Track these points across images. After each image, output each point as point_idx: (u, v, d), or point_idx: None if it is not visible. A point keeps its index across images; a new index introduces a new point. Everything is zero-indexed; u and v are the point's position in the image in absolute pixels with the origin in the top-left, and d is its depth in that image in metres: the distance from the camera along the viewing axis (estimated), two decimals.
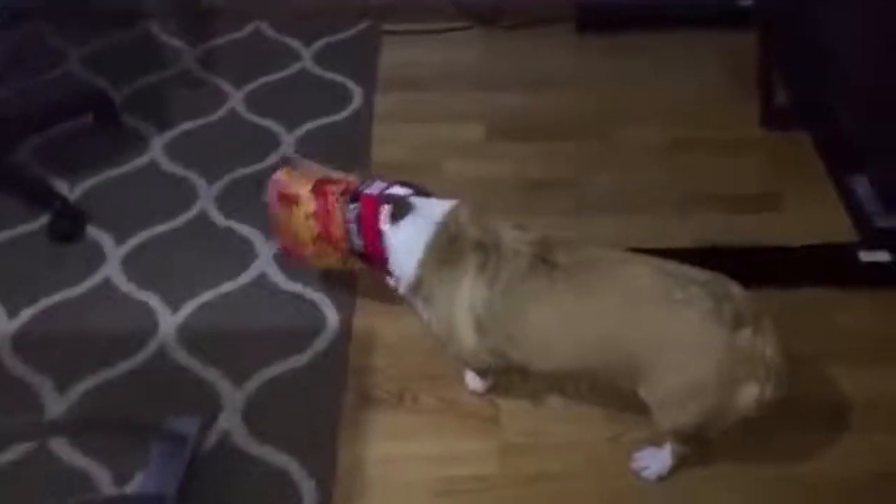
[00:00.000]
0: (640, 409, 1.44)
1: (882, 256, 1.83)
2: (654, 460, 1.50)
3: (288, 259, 1.70)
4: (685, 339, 1.28)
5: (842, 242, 1.89)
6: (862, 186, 1.97)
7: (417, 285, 1.42)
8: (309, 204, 1.50)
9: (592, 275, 1.35)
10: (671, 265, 1.32)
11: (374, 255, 1.46)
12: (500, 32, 2.66)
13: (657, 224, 1.98)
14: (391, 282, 1.50)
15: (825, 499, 1.47)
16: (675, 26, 2.58)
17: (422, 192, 1.48)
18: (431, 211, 1.41)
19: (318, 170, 1.59)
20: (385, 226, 1.42)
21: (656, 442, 1.49)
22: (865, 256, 1.83)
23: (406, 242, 1.41)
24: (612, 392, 1.52)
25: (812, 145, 2.17)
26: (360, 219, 1.45)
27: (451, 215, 1.40)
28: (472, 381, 1.62)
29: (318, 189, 1.50)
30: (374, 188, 1.47)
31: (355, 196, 1.46)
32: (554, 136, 2.28)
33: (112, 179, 2.12)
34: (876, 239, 1.86)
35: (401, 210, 1.41)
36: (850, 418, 1.58)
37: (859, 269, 1.83)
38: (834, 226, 1.96)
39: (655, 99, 2.38)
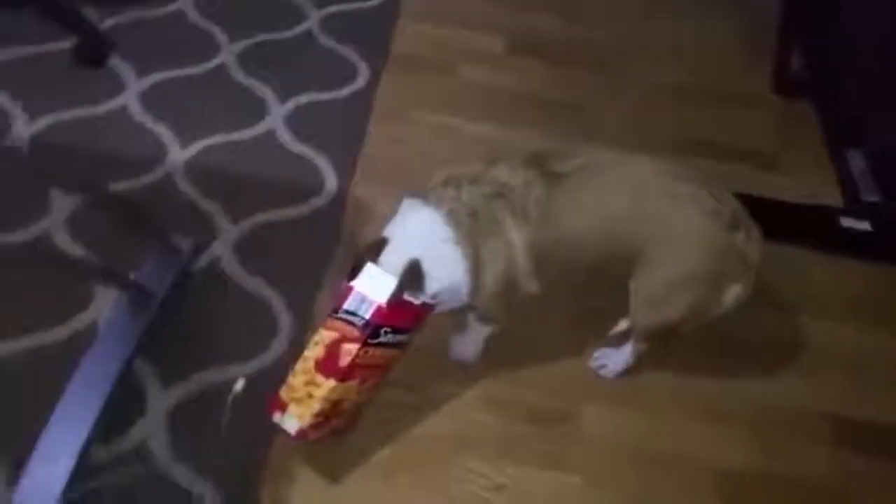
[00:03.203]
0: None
1: (863, 226, 1.91)
2: (612, 359, 1.58)
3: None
4: (687, 234, 1.34)
5: (826, 205, 1.97)
6: (857, 160, 2.05)
7: (476, 270, 1.31)
8: (351, 388, 1.27)
9: (600, 176, 1.36)
10: (667, 164, 1.39)
11: (406, 314, 1.28)
12: None
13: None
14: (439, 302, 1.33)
15: (761, 423, 1.57)
16: None
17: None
18: (419, 235, 1.29)
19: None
20: (419, 300, 1.26)
21: (615, 343, 1.58)
22: (846, 222, 1.91)
23: (442, 270, 1.28)
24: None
25: (815, 117, 2.23)
26: (396, 328, 1.26)
27: (443, 210, 1.30)
28: (471, 349, 1.55)
29: (338, 373, 1.21)
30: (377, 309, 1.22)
31: (372, 329, 1.21)
32: (571, 61, 2.33)
33: (140, 19, 2.17)
34: (861, 210, 1.95)
35: (409, 280, 1.24)
36: (802, 361, 1.68)
37: (838, 234, 1.91)
38: (821, 194, 2.03)
39: (676, 44, 2.44)
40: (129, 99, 1.94)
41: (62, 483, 1.22)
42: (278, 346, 1.52)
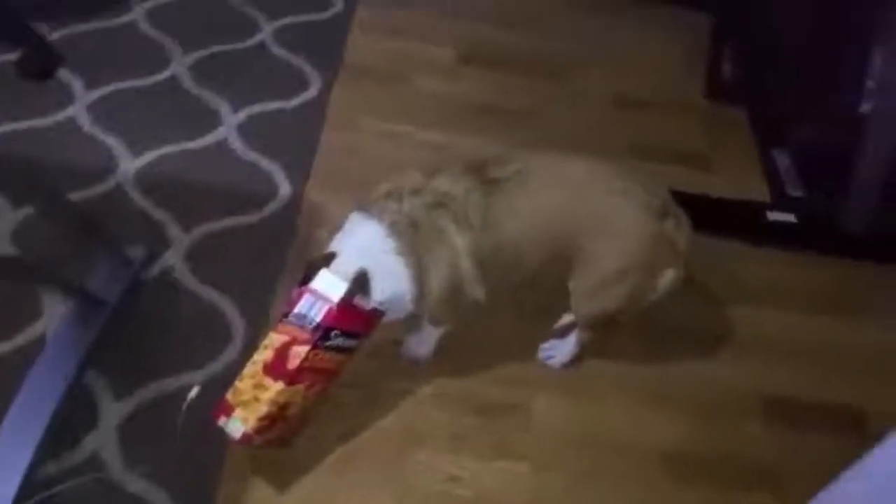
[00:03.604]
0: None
1: (788, 218, 2.03)
2: (558, 350, 1.66)
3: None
4: (621, 227, 1.41)
5: (754, 200, 2.09)
6: (782, 159, 2.18)
7: (419, 279, 1.37)
8: (298, 391, 1.30)
9: (534, 180, 1.41)
10: (599, 163, 1.46)
11: (355, 319, 1.33)
12: None
13: None
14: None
15: (698, 406, 1.66)
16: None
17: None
18: (362, 246, 1.34)
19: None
20: (370, 305, 1.32)
21: (560, 335, 1.67)
22: (772, 216, 2.04)
23: (387, 280, 1.33)
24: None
25: (745, 120, 2.36)
26: (347, 331, 1.31)
27: (384, 223, 1.35)
28: (425, 348, 1.61)
29: (286, 376, 1.26)
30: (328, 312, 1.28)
31: (322, 332, 1.26)
32: (519, 72, 2.42)
33: (90, 31, 2.19)
34: (786, 204, 2.07)
35: (357, 286, 1.29)
36: (734, 346, 1.78)
37: (765, 227, 2.03)
38: (751, 190, 2.15)
39: (617, 56, 2.55)
40: (78, 111, 1.96)
41: (11, 498, 1.23)
42: (232, 352, 1.55)
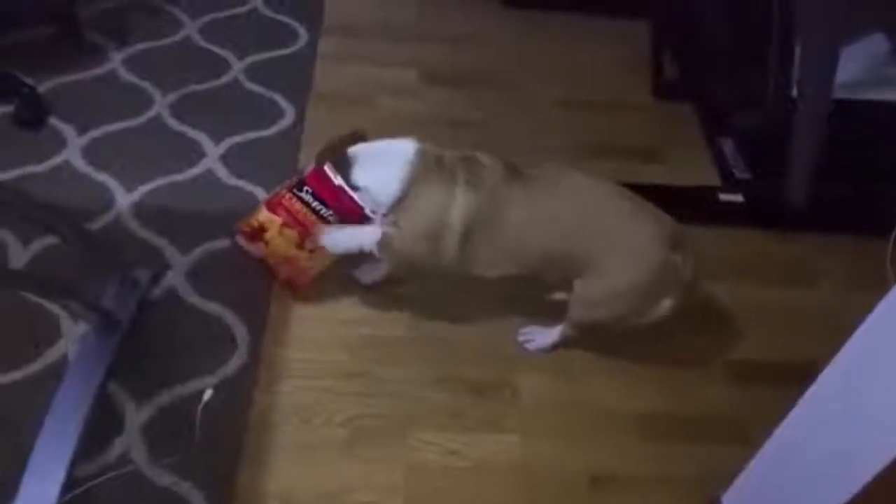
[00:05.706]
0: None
1: (737, 198, 2.21)
2: (540, 336, 1.80)
3: (297, 287, 1.81)
4: (631, 247, 1.53)
5: (707, 185, 2.27)
6: (728, 146, 2.37)
7: (400, 200, 1.54)
8: (274, 221, 1.75)
9: (557, 183, 1.57)
10: (617, 187, 1.60)
11: (346, 210, 1.61)
12: None
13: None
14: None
15: (666, 380, 1.81)
16: (583, 11, 2.95)
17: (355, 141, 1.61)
18: (388, 147, 1.57)
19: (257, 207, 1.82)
20: (338, 180, 1.55)
21: (545, 323, 1.80)
22: (724, 197, 2.22)
23: (380, 175, 1.54)
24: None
25: (690, 113, 2.56)
26: (316, 193, 1.68)
27: (422, 145, 1.56)
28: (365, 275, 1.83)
29: (271, 204, 1.77)
30: (310, 169, 1.69)
31: (300, 183, 1.72)
32: (476, 85, 2.60)
33: (74, 82, 2.32)
34: (734, 185, 2.26)
35: (341, 161, 1.55)
36: (691, 316, 1.90)
37: (718, 207, 2.21)
38: (702, 177, 2.34)
39: (564, 66, 2.74)
40: (72, 154, 2.08)
41: (55, 495, 1.35)
42: (239, 356, 1.68)
